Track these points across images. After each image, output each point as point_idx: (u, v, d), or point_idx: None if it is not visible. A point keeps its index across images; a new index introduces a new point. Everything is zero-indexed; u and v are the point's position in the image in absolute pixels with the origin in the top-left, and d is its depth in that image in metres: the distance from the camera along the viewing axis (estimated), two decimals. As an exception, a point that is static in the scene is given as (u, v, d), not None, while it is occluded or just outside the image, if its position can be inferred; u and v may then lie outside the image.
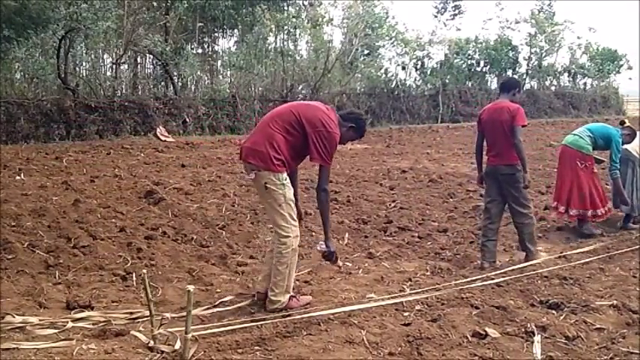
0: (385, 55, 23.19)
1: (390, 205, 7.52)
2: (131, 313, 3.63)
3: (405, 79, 23.73)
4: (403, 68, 23.60)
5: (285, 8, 20.47)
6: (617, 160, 5.93)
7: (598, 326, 3.39)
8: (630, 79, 30.36)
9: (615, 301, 3.73)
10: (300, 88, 20.45)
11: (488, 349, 3.07)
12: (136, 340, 3.18)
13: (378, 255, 5.31)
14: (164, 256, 5.05)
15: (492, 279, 4.27)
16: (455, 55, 24.58)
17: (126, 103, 15.43)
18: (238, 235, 5.90)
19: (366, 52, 22.42)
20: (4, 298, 3.85)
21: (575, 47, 28.31)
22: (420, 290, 4.10)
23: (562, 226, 6.39)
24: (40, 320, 3.44)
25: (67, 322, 3.41)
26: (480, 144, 5.20)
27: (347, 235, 5.97)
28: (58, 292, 4.10)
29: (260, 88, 19.38)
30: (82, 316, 3.57)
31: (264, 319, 3.47)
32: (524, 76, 26.34)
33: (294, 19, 19.96)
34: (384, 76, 22.94)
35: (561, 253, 5.26)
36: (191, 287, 2.92)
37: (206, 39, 20.66)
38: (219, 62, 20.83)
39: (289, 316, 3.56)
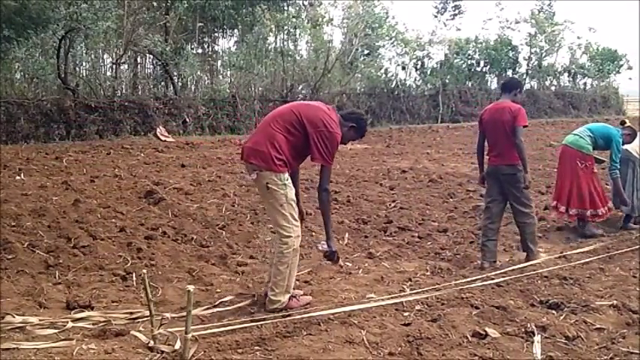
0: (385, 55, 23.25)
1: (390, 205, 7.52)
2: (131, 313, 3.63)
3: (405, 79, 23.77)
4: (403, 68, 23.62)
5: (285, 8, 20.47)
6: (618, 160, 5.93)
7: (598, 326, 3.39)
8: (630, 79, 30.43)
9: (615, 301, 3.73)
10: (300, 88, 20.45)
11: (488, 349, 3.07)
12: (136, 340, 3.18)
13: (378, 255, 5.31)
14: (164, 256, 5.05)
15: (492, 279, 4.27)
16: (455, 55, 24.59)
17: (126, 103, 15.43)
18: (238, 235, 5.90)
19: (366, 52, 22.42)
20: (4, 298, 3.85)
21: (575, 47, 28.38)
22: (420, 290, 4.10)
23: (562, 226, 6.39)
24: (40, 320, 3.44)
25: (67, 322, 3.41)
26: (481, 144, 5.21)
27: (347, 235, 5.97)
28: (58, 292, 4.10)
29: (260, 88, 19.38)
30: (82, 316, 3.57)
31: (264, 319, 3.47)
32: (524, 76, 26.35)
33: (294, 19, 19.96)
34: (384, 76, 22.95)
35: (561, 253, 5.27)
36: (191, 287, 2.92)
37: (206, 39, 20.66)
38: (219, 62, 20.85)
39: (289, 316, 3.56)
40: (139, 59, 18.66)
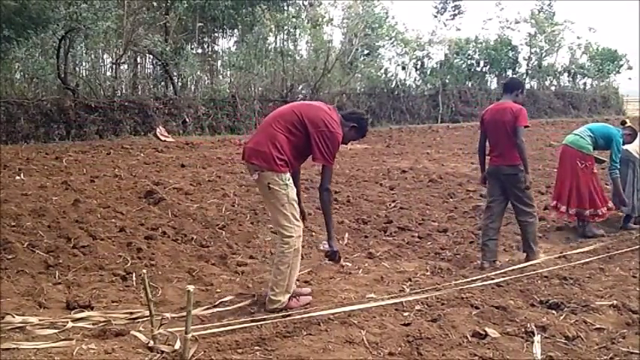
0: (385, 55, 23.26)
1: (390, 205, 7.52)
2: (131, 313, 3.63)
3: (404, 79, 23.78)
4: (403, 68, 23.63)
5: (285, 8, 20.47)
6: (618, 160, 5.93)
7: (598, 326, 3.39)
8: (630, 79, 30.45)
9: (615, 301, 3.73)
10: (300, 88, 20.45)
11: (488, 349, 3.07)
12: (136, 340, 3.18)
13: (378, 255, 5.31)
14: (164, 256, 5.05)
15: (492, 279, 4.27)
16: (455, 55, 24.60)
17: (126, 103, 15.43)
18: (238, 235, 5.90)
19: (366, 52, 22.42)
20: (4, 298, 3.85)
21: (575, 47, 28.40)
22: (420, 290, 4.10)
23: (562, 226, 6.39)
24: (40, 320, 3.44)
25: (67, 322, 3.41)
26: (482, 144, 5.21)
27: (347, 235, 5.97)
28: (58, 292, 4.10)
29: (260, 88, 19.38)
30: (82, 316, 3.57)
31: (264, 319, 3.47)
32: (524, 76, 26.35)
33: (294, 19, 19.96)
34: (384, 76, 22.96)
35: (561, 253, 5.27)
36: (191, 287, 2.92)
37: (206, 39, 20.67)
38: (219, 62, 20.85)
39: (289, 316, 3.56)
40: (138, 59, 18.66)
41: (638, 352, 3.05)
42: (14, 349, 3.02)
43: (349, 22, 20.67)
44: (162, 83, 18.12)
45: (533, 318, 3.44)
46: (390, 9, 26.43)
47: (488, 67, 26.02)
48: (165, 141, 14.67)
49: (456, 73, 24.52)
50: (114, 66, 17.15)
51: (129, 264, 4.79)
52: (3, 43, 13.61)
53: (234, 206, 7.15)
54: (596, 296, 3.91)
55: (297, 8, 21.05)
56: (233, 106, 17.71)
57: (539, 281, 4.28)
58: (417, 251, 5.52)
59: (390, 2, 27.05)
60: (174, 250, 5.28)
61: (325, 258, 4.24)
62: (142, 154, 12.14)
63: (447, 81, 24.17)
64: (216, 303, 3.91)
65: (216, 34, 20.82)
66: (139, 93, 17.27)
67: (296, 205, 3.78)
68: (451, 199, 7.94)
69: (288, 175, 3.74)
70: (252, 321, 3.48)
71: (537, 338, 3.15)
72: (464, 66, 25.09)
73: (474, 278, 4.39)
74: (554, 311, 3.64)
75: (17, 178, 8.65)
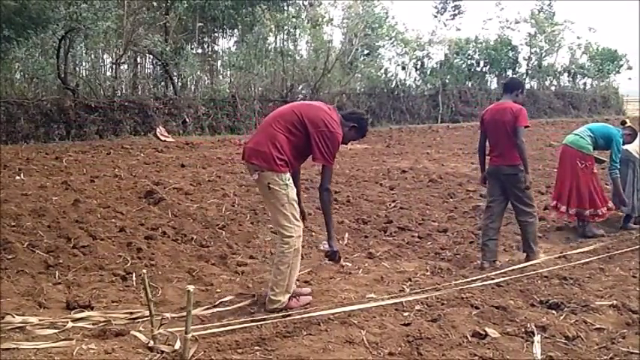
0: (385, 55, 23.26)
1: (390, 205, 7.52)
2: (131, 313, 3.63)
3: (404, 79, 23.78)
4: (403, 68, 23.63)
5: (285, 8, 20.47)
6: (618, 160, 5.93)
7: (598, 326, 3.39)
8: (630, 79, 30.46)
9: (615, 301, 3.73)
10: (300, 88, 20.45)
11: (488, 349, 3.07)
12: (136, 340, 3.18)
13: (378, 255, 5.31)
14: (164, 256, 5.05)
15: (492, 279, 4.27)
16: (455, 55, 24.60)
17: (126, 103, 15.43)
18: (238, 235, 5.90)
19: (366, 52, 22.42)
20: (4, 298, 3.85)
21: (575, 47, 28.40)
22: (420, 290, 4.10)
23: (562, 226, 6.40)
24: (40, 320, 3.44)
25: (67, 322, 3.41)
26: (482, 144, 5.21)
27: (347, 235, 5.97)
28: (58, 292, 4.10)
29: (260, 88, 19.38)
30: (82, 316, 3.57)
31: (264, 319, 3.47)
32: (524, 76, 26.36)
33: (294, 19, 19.96)
34: (383, 76, 22.96)
35: (561, 253, 5.27)
36: (191, 287, 2.92)
37: (206, 39, 20.66)
38: (219, 62, 20.85)
39: (289, 316, 3.56)
40: (138, 59, 18.66)
41: (638, 352, 3.05)
42: (14, 349, 3.02)
43: (349, 22, 20.67)
44: (162, 83, 18.12)
45: (533, 318, 3.44)
46: (390, 9, 26.48)
47: (488, 67, 26.03)
48: (165, 141, 14.67)
49: (456, 73, 24.53)
50: (114, 66, 17.15)
51: (129, 264, 4.79)
52: (3, 43, 13.61)
53: (234, 206, 7.15)
54: (596, 296, 3.91)
55: (297, 8, 21.05)
56: (233, 106, 17.71)
57: (539, 281, 4.28)
58: (417, 251, 5.52)
59: (390, 2, 27.10)
60: (174, 250, 5.28)
61: (325, 258, 4.24)
62: (142, 154, 12.14)
63: (447, 81, 24.17)
64: (216, 303, 3.91)
65: (216, 34, 20.82)
66: (139, 93, 17.28)
67: (296, 205, 3.78)
68: (451, 199, 7.94)
69: (288, 175, 3.74)
70: (252, 321, 3.48)
71: (537, 338, 3.15)
72: (464, 66, 25.09)
73: (474, 278, 4.39)
74: (554, 311, 3.64)
75: (17, 178, 8.65)
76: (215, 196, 7.75)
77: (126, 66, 18.03)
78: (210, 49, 21.13)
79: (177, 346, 3.03)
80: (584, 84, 29.75)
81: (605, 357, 3.01)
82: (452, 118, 23.18)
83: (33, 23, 13.58)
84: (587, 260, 4.91)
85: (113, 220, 6.11)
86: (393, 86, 22.89)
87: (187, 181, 8.76)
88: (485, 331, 3.26)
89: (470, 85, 25.32)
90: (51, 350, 3.04)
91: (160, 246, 5.34)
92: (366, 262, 5.09)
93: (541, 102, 25.95)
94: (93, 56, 17.51)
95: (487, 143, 5.17)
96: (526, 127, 4.84)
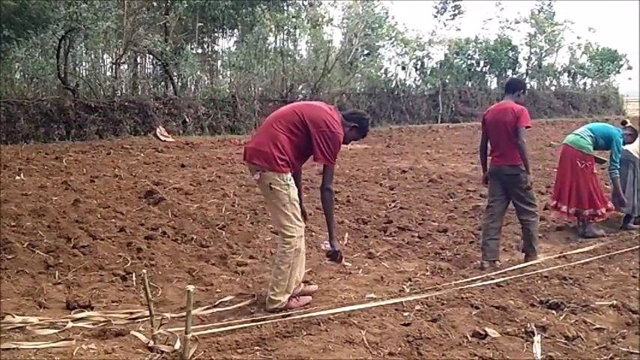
0: (385, 55, 23.26)
1: (390, 205, 7.52)
2: (131, 313, 3.63)
3: (404, 79, 23.77)
4: (403, 68, 23.63)
5: (285, 8, 20.47)
6: (618, 160, 5.93)
7: (598, 326, 3.39)
8: (630, 79, 30.45)
9: (615, 301, 3.73)
10: (300, 88, 20.45)
11: (488, 349, 3.07)
12: (136, 340, 3.18)
13: (378, 255, 5.31)
14: (164, 256, 5.05)
15: (492, 279, 4.27)
16: (455, 55, 24.59)
17: (126, 103, 15.43)
18: (238, 235, 5.90)
19: (366, 52, 22.42)
20: (4, 298, 3.85)
21: (575, 47, 28.41)
22: (420, 290, 4.10)
23: (562, 226, 6.40)
24: (40, 320, 3.44)
25: (67, 322, 3.41)
26: (484, 144, 5.22)
27: (347, 235, 5.97)
28: (58, 292, 4.10)
29: (260, 88, 19.38)
30: (82, 316, 3.57)
31: (264, 319, 3.47)
32: (524, 76, 26.37)
33: (294, 19, 19.96)
34: (383, 76, 22.96)
35: (561, 253, 5.27)
36: (191, 287, 2.92)
37: (206, 39, 20.66)
38: (219, 62, 20.84)
39: (289, 316, 3.56)
40: (138, 59, 18.66)
41: (638, 352, 3.05)
42: (14, 349, 3.02)
43: (349, 22, 20.67)
44: (162, 83, 18.12)
45: (533, 318, 3.44)
46: (390, 9, 26.46)
47: (488, 67, 26.03)
48: (165, 141, 14.67)
49: (456, 73, 24.52)
50: (114, 66, 17.15)
51: (129, 264, 4.79)
52: (3, 43, 13.61)
53: (234, 206, 7.15)
54: (596, 296, 3.91)
55: (297, 8, 21.05)
56: (233, 106, 17.71)
57: (539, 281, 4.28)
58: (417, 251, 5.52)
59: (390, 2, 27.08)
60: (174, 250, 5.28)
61: (326, 258, 4.25)
62: (142, 154, 12.14)
63: (447, 81, 24.17)
64: (216, 303, 3.91)
65: (216, 34, 20.82)
66: (139, 93, 17.27)
67: (297, 205, 3.79)
68: (451, 199, 7.94)
69: (289, 175, 3.74)
70: (252, 321, 3.48)
71: (537, 338, 3.15)
72: (464, 66, 25.09)
73: (474, 278, 4.39)
74: (554, 311, 3.64)
75: (17, 178, 8.65)
76: (215, 196, 7.75)
77: (126, 66, 18.03)
78: (210, 49, 21.13)
79: (177, 346, 3.03)
80: (584, 84, 29.77)
81: (605, 357, 3.01)
82: (452, 118, 23.18)
83: (33, 23, 13.58)
84: (587, 260, 4.91)
85: (113, 220, 6.11)
86: (393, 86, 22.89)
87: (187, 181, 8.76)
88: (485, 331, 3.26)
89: (470, 85, 25.32)
90: (51, 350, 3.04)
91: (160, 246, 5.34)
92: (366, 262, 5.09)
93: (541, 102, 25.95)
94: (93, 56, 17.51)
95: (488, 143, 5.17)
96: (527, 127, 4.84)
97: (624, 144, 6.11)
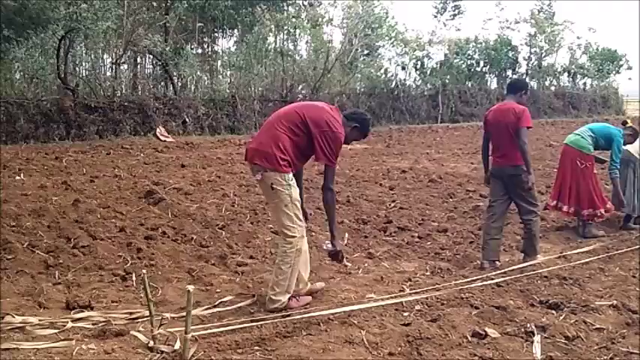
0: (385, 55, 23.23)
1: (390, 205, 7.52)
2: (131, 313, 3.63)
3: (404, 79, 23.74)
4: (403, 68, 23.60)
5: (285, 8, 20.45)
6: (618, 160, 5.94)
7: (598, 326, 3.39)
8: (630, 79, 30.40)
9: (615, 301, 3.73)
10: (300, 88, 20.44)
11: (488, 349, 3.07)
12: (136, 340, 3.18)
13: (377, 255, 5.31)
14: (164, 256, 5.05)
15: (492, 279, 4.27)
16: (455, 55, 24.56)
17: (126, 103, 15.41)
18: (238, 235, 5.89)
19: (365, 52, 22.41)
20: (4, 298, 3.85)
21: (575, 47, 28.38)
22: (419, 290, 4.10)
23: (562, 226, 6.40)
24: (40, 320, 3.44)
25: (67, 322, 3.42)
26: (485, 145, 5.23)
27: (347, 235, 5.96)
28: (58, 292, 4.10)
29: (260, 88, 19.37)
30: (81, 316, 3.57)
31: (264, 319, 3.47)
32: (524, 76, 26.35)
33: (293, 19, 19.95)
34: (383, 76, 22.93)
35: (561, 253, 5.27)
36: (191, 287, 2.93)
37: (206, 39, 20.65)
38: (219, 62, 20.81)
39: (289, 316, 3.56)
40: (138, 59, 18.64)
41: (638, 352, 3.05)
42: (14, 349, 3.02)
43: (349, 22, 20.65)
44: (162, 83, 18.10)
45: (533, 318, 3.45)
46: (390, 9, 26.33)
47: (488, 67, 26.01)
48: (165, 141, 14.66)
49: (455, 73, 24.50)
50: (114, 66, 17.13)
51: (129, 264, 4.78)
52: (3, 43, 13.60)
53: (234, 206, 7.14)
54: (596, 296, 3.92)
55: (297, 8, 21.03)
56: (233, 106, 17.70)
57: (539, 281, 4.28)
58: (417, 251, 5.52)
59: (390, 2, 26.91)
60: (174, 250, 5.28)
61: (328, 258, 4.25)
62: (142, 154, 12.13)
63: (447, 81, 24.14)
64: (216, 303, 3.91)
65: (216, 34, 20.80)
66: (139, 93, 17.25)
67: (299, 206, 3.79)
68: (451, 199, 7.94)
69: (290, 175, 3.75)
70: (252, 321, 3.48)
71: (537, 338, 3.15)
72: (464, 66, 25.07)
73: (474, 278, 4.40)
74: (554, 311, 3.64)
75: (17, 178, 8.64)
76: (215, 196, 7.75)
77: (126, 66, 18.01)
78: (210, 49, 21.12)
79: (177, 346, 3.03)
80: (584, 84, 29.75)
81: (605, 357, 3.02)
82: (452, 118, 23.17)
83: (33, 23, 13.57)
84: (587, 260, 4.91)
85: (113, 220, 6.10)
86: (393, 86, 22.86)
87: (187, 181, 8.75)
88: (485, 331, 3.26)
89: (470, 85, 25.30)
90: (51, 350, 3.04)
91: (160, 246, 5.34)
92: (366, 262, 5.09)
93: (541, 102, 25.94)
94: (93, 56, 17.47)
95: (490, 144, 5.18)
96: (529, 127, 4.85)
97: (625, 144, 6.11)
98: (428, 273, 4.81)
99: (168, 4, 17.42)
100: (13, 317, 3.43)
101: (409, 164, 11.32)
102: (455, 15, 24.25)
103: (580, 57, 28.74)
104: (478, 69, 25.91)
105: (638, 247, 5.27)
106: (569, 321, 3.44)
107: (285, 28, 20.10)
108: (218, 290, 4.27)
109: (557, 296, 3.86)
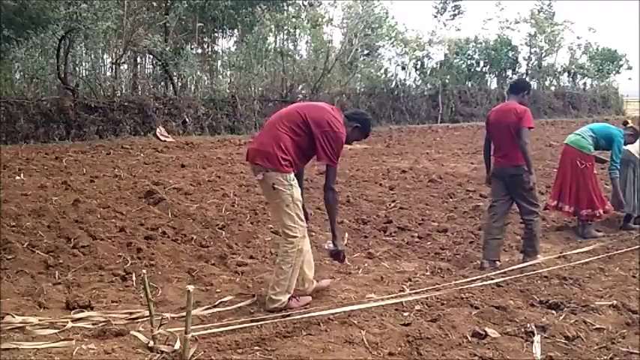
0: (385, 55, 23.23)
1: (390, 205, 7.52)
2: (131, 313, 3.63)
3: (404, 79, 23.74)
4: (403, 68, 23.60)
5: (285, 8, 20.45)
6: (618, 160, 5.94)
7: (598, 326, 3.39)
8: (630, 79, 30.41)
9: (615, 301, 3.73)
10: (299, 88, 20.44)
11: (488, 349, 3.07)
12: (136, 340, 3.18)
13: (377, 255, 5.31)
14: (164, 256, 5.05)
15: (492, 279, 4.27)
16: (455, 55, 24.56)
17: (126, 103, 15.41)
18: (238, 235, 5.89)
19: (365, 52, 22.41)
20: (4, 298, 3.85)
21: (575, 47, 28.39)
22: (420, 290, 4.10)
23: (562, 226, 6.40)
24: (40, 320, 3.44)
25: (67, 322, 3.41)
26: (487, 145, 5.23)
27: (347, 235, 5.96)
28: (58, 292, 4.10)
29: (260, 88, 19.37)
30: (81, 316, 3.57)
31: (264, 319, 3.47)
32: (524, 76, 26.35)
33: (293, 19, 19.95)
34: (383, 76, 22.94)
35: (561, 253, 5.27)
36: (191, 287, 2.93)
37: (206, 39, 20.64)
38: (219, 62, 20.81)
39: (289, 316, 3.56)
40: (138, 59, 18.64)
41: (638, 352, 3.05)
42: (14, 349, 3.02)
43: (349, 22, 20.65)
44: (162, 83, 18.10)
45: (533, 318, 3.45)
46: (390, 9, 26.32)
47: (488, 67, 26.01)
48: (165, 141, 14.66)
49: (455, 73, 24.50)
50: (114, 66, 17.13)
51: (129, 264, 4.78)
52: (3, 43, 13.60)
53: (234, 206, 7.14)
54: (596, 296, 3.92)
55: (297, 8, 21.03)
56: (233, 106, 17.70)
57: (539, 281, 4.28)
58: (417, 251, 5.52)
59: (390, 2, 26.92)
60: (174, 250, 5.28)
61: (329, 257, 4.25)
62: (141, 154, 12.13)
63: (447, 81, 24.14)
64: (216, 303, 3.91)
65: (216, 34, 20.80)
66: (139, 93, 17.25)
67: (300, 206, 3.79)
68: (451, 199, 7.94)
69: (292, 175, 3.76)
70: (252, 321, 3.48)
71: (537, 338, 3.15)
72: (464, 66, 25.07)
73: (474, 278, 4.40)
74: (554, 311, 3.64)
75: (17, 178, 8.64)
76: (215, 196, 7.75)
77: (126, 66, 18.02)
78: (210, 49, 21.12)
79: (177, 346, 3.03)
80: (584, 84, 29.76)
81: (605, 357, 3.01)
82: (452, 118, 23.17)
83: (33, 23, 13.56)
84: (587, 260, 4.91)
85: (113, 220, 6.10)
86: (393, 86, 22.86)
87: (187, 181, 8.76)
88: (485, 331, 3.26)
89: (470, 85, 25.30)
90: (51, 350, 3.04)
91: (160, 246, 5.34)
92: (366, 262, 5.09)
93: (541, 102, 25.94)
94: (93, 56, 17.47)
95: (492, 144, 5.18)
96: (530, 128, 4.85)
97: (625, 144, 6.11)
98: (428, 273, 4.81)
99: (168, 4, 17.42)
100: (13, 317, 3.43)
101: (409, 164, 11.32)
102: (455, 15, 24.27)
103: (580, 57, 28.79)
104: (478, 69, 25.91)
105: (638, 247, 5.26)
106: (569, 321, 3.44)
107: (285, 28, 20.10)
108: (218, 290, 4.27)
109: (557, 296, 3.86)
